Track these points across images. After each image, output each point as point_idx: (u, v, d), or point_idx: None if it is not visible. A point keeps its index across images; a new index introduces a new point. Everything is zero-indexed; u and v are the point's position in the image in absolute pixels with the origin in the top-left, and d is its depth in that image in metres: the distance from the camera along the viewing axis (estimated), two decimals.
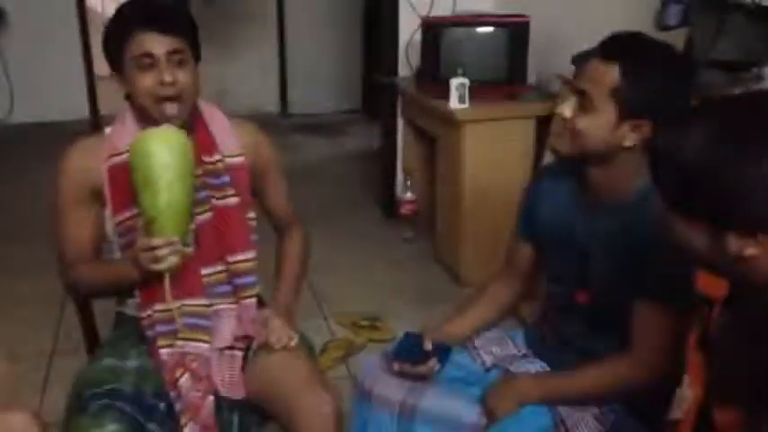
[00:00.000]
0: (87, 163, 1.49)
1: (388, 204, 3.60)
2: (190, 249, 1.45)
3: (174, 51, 1.42)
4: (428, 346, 1.44)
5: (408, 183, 3.36)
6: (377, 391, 1.44)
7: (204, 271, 1.51)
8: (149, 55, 1.41)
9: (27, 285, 2.82)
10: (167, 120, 1.44)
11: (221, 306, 1.53)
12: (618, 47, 1.26)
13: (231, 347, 1.51)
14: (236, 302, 1.54)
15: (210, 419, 1.43)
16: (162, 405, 1.42)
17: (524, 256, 1.53)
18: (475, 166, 2.86)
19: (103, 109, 5.18)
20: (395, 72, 3.42)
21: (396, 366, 1.44)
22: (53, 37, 4.93)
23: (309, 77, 5.55)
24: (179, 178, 1.36)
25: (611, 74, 1.23)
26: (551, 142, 1.42)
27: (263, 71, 5.53)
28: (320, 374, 1.52)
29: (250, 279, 1.54)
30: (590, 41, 2.45)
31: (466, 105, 2.81)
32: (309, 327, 1.85)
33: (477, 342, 1.53)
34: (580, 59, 2.54)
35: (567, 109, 1.29)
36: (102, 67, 5.25)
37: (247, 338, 1.53)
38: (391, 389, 1.43)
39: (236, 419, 1.48)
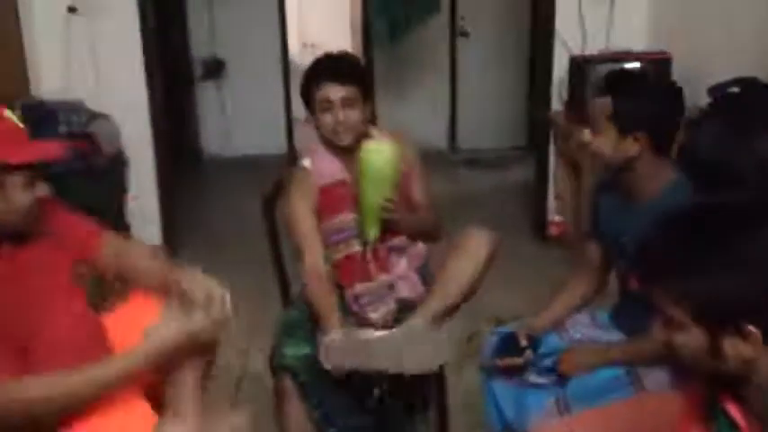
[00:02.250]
0: (308, 185, 2.02)
1: (540, 227, 3.91)
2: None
3: (346, 98, 1.94)
4: (523, 342, 1.79)
5: (558, 207, 3.65)
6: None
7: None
8: (328, 100, 1.94)
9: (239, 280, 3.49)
10: (343, 146, 1.98)
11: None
12: (610, 84, 1.65)
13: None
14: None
15: None
16: None
17: (595, 254, 1.86)
18: None
19: (298, 145, 6.01)
20: (548, 106, 3.76)
21: (498, 362, 1.80)
22: (261, 84, 5.83)
23: (478, 117, 6.00)
24: (388, 182, 1.92)
25: (606, 105, 1.61)
26: None
27: (435, 112, 6.06)
28: None
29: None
30: (726, 75, 2.68)
31: None
32: (458, 324, 2.22)
33: (568, 323, 1.86)
34: (714, 91, 2.74)
35: (586, 135, 1.68)
36: (298, 110, 6.14)
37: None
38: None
39: None
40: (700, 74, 3.17)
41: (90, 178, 3.32)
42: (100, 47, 3.54)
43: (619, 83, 1.66)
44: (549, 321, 1.86)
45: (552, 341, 1.84)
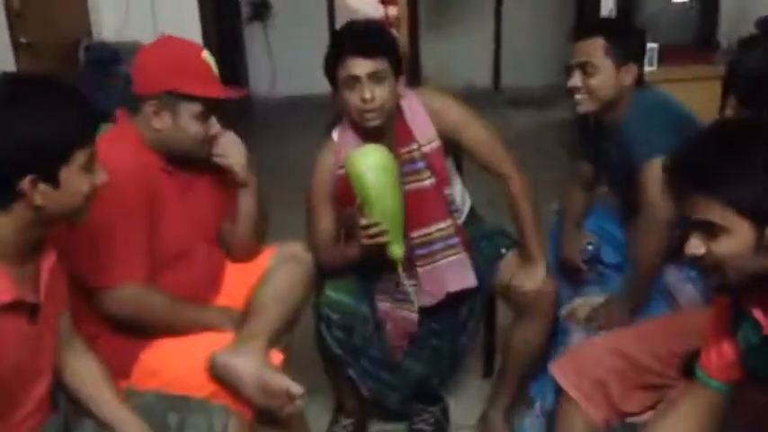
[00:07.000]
0: (329, 167, 1.86)
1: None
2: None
3: (374, 72, 1.69)
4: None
5: None
6: None
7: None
8: (354, 77, 1.69)
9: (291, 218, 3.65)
10: (371, 128, 1.75)
11: (426, 267, 1.86)
12: (591, 26, 1.85)
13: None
14: (438, 262, 1.87)
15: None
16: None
17: (588, 173, 2.05)
18: None
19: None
20: None
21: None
22: (306, 24, 5.88)
23: (522, 55, 5.97)
24: (386, 190, 1.67)
25: (598, 42, 1.71)
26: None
27: (479, 50, 6.04)
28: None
29: (452, 241, 1.86)
30: None
31: (654, 68, 3.10)
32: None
33: None
34: (762, 23, 2.76)
35: (577, 80, 1.75)
36: None
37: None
38: None
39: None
40: (746, 7, 3.16)
41: None
42: None
43: (606, 23, 1.83)
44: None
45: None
